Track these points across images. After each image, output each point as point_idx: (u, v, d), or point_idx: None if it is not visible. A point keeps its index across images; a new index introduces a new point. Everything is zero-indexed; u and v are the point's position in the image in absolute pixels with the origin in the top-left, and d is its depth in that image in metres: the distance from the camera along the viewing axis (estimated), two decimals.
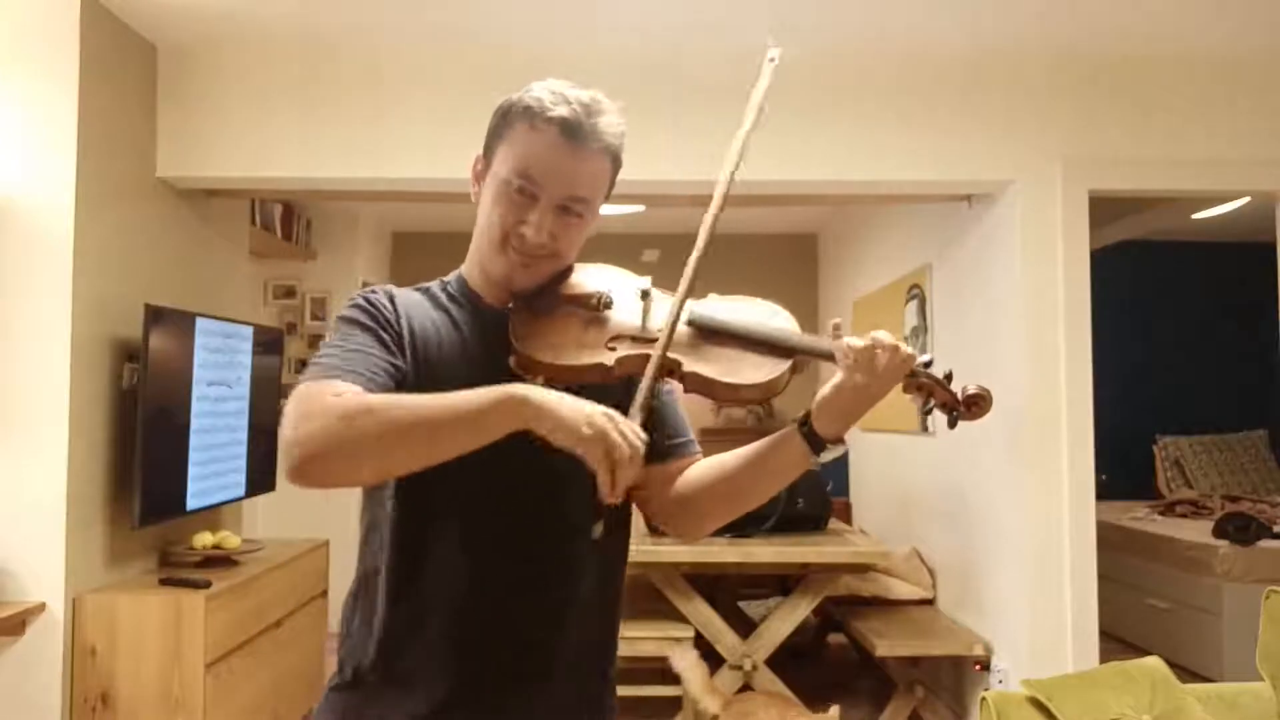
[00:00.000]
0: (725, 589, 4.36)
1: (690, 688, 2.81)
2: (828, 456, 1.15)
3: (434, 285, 1.29)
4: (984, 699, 2.01)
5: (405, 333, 1.20)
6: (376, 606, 1.19)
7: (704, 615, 3.56)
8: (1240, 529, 4.49)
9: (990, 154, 3.24)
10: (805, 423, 1.16)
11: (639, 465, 1.02)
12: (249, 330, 3.59)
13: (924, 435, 4.22)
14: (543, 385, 1.11)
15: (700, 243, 1.18)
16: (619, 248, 6.34)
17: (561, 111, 1.16)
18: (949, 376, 1.16)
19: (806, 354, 1.17)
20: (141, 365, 2.90)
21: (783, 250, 6.44)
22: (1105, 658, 2.72)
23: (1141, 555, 5.01)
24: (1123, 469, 5.83)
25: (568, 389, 1.07)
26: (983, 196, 3.47)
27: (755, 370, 1.16)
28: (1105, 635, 3.44)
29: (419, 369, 1.18)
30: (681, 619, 3.59)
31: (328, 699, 1.22)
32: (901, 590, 4.09)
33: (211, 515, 3.46)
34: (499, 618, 1.18)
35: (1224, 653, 4.30)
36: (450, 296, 1.27)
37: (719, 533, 3.62)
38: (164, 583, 2.92)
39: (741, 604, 4.67)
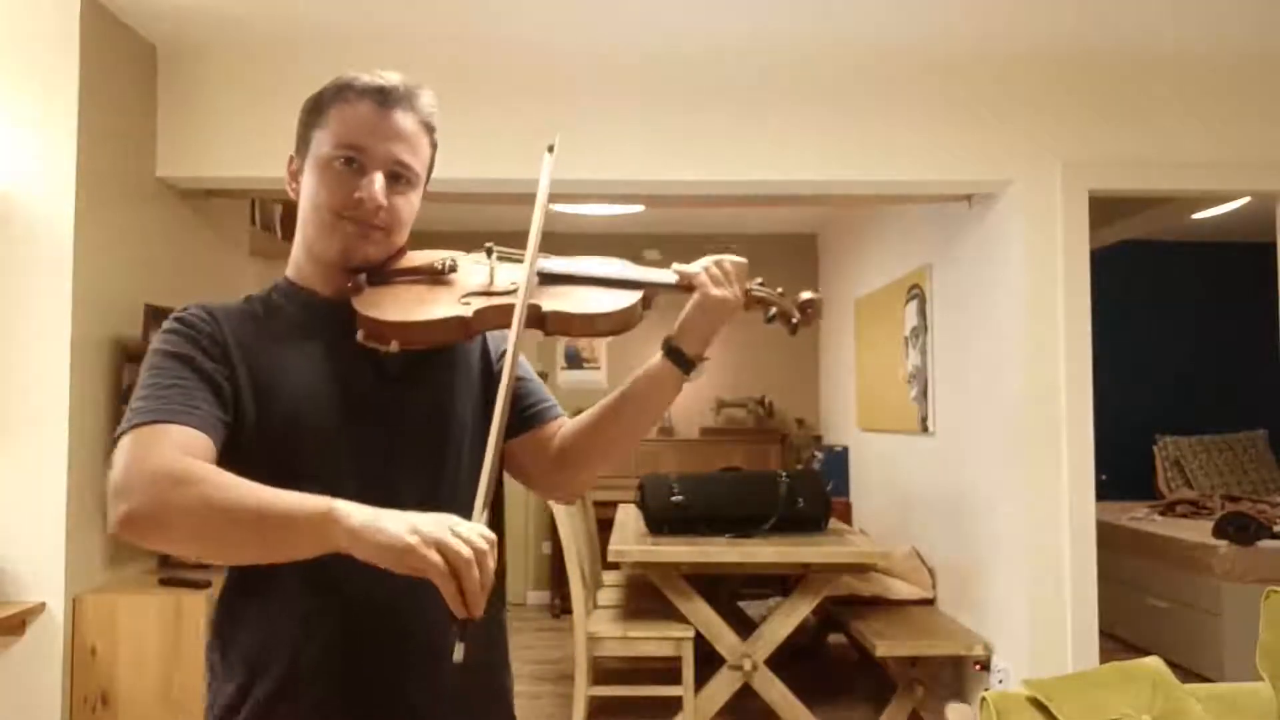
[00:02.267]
0: (725, 589, 4.36)
1: None
2: (696, 375, 1.21)
3: (255, 294, 1.23)
4: (984, 699, 2.01)
5: (233, 348, 1.11)
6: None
7: (704, 615, 3.56)
8: (1240, 529, 4.49)
9: (990, 154, 3.24)
10: (669, 345, 1.19)
11: (490, 572, 0.90)
12: None
13: (924, 435, 4.22)
14: (397, 350, 1.09)
15: (535, 232, 1.18)
16: (619, 248, 6.33)
17: (372, 80, 1.17)
18: (781, 293, 1.28)
19: (652, 286, 1.21)
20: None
21: (783, 250, 6.43)
22: (1105, 658, 2.72)
23: (1141, 555, 5.01)
24: (1123, 469, 5.84)
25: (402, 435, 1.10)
26: (983, 196, 3.47)
27: (607, 303, 1.18)
28: (1105, 635, 3.44)
29: (255, 381, 1.10)
30: (681, 619, 3.58)
31: None
32: (901, 590, 4.09)
33: None
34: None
35: (1224, 653, 4.30)
36: (278, 299, 1.21)
37: (718, 533, 3.65)
38: (164, 583, 2.92)
39: (741, 604, 4.67)
